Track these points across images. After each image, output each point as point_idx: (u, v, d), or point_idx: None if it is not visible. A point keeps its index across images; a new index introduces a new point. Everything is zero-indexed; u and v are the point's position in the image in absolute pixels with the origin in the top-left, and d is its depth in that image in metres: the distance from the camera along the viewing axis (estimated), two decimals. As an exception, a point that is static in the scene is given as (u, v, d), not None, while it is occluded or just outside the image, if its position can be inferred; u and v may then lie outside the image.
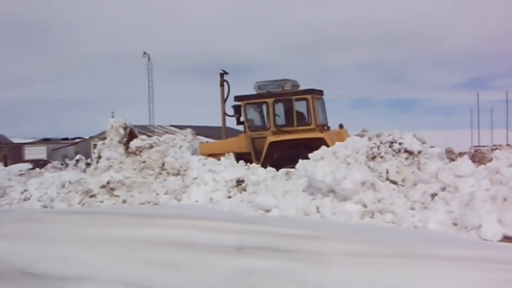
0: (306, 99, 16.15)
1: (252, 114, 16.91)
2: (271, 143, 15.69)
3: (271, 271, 7.13)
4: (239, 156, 14.47)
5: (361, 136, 13.11)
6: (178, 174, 13.02)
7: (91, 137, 48.15)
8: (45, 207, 12.90)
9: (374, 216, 9.51)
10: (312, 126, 15.95)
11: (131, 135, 14.29)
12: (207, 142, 19.74)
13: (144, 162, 13.43)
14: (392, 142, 10.92)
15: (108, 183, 12.79)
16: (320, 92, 17.07)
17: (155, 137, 15.36)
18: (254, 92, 16.84)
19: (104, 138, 14.80)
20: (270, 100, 16.33)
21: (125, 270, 7.73)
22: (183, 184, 12.54)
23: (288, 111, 16.38)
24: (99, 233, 8.93)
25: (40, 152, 46.72)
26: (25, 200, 13.54)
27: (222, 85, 17.85)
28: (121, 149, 13.84)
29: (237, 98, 16.92)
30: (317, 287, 6.75)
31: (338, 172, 10.10)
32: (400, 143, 10.82)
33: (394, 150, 10.75)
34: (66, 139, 55.43)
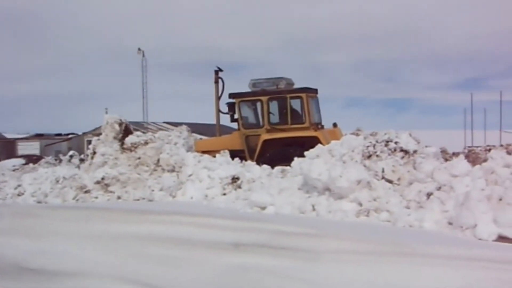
0: (300, 97, 16.18)
1: (246, 111, 16.91)
2: (265, 141, 15.68)
3: (267, 268, 7.13)
4: (233, 154, 14.47)
5: (356, 135, 13.15)
6: (173, 170, 13.01)
7: (84, 133, 47.83)
8: (39, 202, 12.89)
9: (370, 215, 9.55)
10: (306, 124, 15.98)
11: (126, 131, 14.28)
12: (201, 139, 19.71)
13: (139, 158, 13.42)
14: (388, 141, 10.97)
15: (102, 179, 12.78)
16: (315, 91, 17.12)
17: (150, 133, 15.35)
18: (248, 90, 16.85)
19: (98, 134, 14.78)
20: (264, 98, 16.33)
21: (121, 265, 7.73)
22: (178, 181, 12.54)
23: (282, 109, 16.39)
24: (95, 228, 8.88)
25: (33, 148, 46.37)
26: (18, 195, 13.54)
27: (216, 82, 17.81)
28: (116, 145, 13.82)
29: (231, 96, 16.91)
30: (313, 284, 6.76)
31: (334, 171, 10.13)
32: (396, 142, 10.88)
33: (390, 149, 10.80)
34: (60, 134, 54.99)
